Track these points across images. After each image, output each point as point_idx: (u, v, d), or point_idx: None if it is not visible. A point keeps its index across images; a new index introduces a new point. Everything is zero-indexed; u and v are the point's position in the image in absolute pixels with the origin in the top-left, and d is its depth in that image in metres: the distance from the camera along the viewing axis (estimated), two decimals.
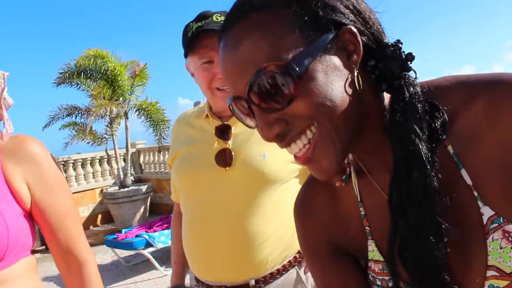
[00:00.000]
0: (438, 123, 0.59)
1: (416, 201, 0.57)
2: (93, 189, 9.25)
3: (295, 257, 1.40)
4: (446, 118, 0.60)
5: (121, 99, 8.87)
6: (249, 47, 0.56)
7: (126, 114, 8.95)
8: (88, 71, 8.76)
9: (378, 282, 0.69)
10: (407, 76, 0.60)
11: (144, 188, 8.69)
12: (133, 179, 9.59)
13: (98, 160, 9.62)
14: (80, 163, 9.21)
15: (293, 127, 0.58)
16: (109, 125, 8.97)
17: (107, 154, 9.34)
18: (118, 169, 9.10)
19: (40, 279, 1.11)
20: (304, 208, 0.79)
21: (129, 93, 9.06)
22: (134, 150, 10.18)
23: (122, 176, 8.94)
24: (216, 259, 1.37)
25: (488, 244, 0.58)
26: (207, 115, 1.51)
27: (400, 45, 0.61)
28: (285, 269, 1.38)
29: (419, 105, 0.58)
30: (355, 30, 0.57)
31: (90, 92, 8.93)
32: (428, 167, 0.56)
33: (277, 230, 1.35)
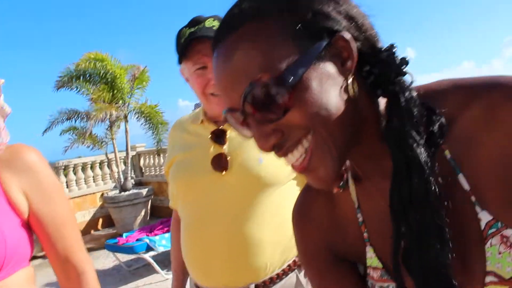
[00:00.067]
0: (436, 126, 0.59)
1: (418, 206, 0.56)
2: (93, 193, 9.25)
3: (294, 261, 1.39)
4: (444, 121, 0.60)
5: (120, 102, 8.88)
6: (241, 59, 0.56)
7: (126, 117, 8.96)
8: (88, 75, 8.77)
9: None
10: (402, 80, 0.59)
11: (144, 191, 8.68)
12: (133, 182, 9.58)
13: (98, 164, 9.62)
14: (80, 167, 9.21)
15: (289, 137, 0.58)
16: (109, 128, 8.98)
17: (107, 158, 9.35)
18: (118, 172, 9.11)
19: None
20: (302, 214, 0.79)
21: (129, 96, 9.06)
22: (134, 153, 10.17)
23: (122, 179, 8.94)
24: (215, 264, 1.37)
25: (487, 249, 0.57)
26: (202, 121, 1.50)
27: (394, 50, 0.60)
28: (284, 273, 1.37)
29: (415, 110, 0.58)
30: (348, 36, 0.57)
31: (89, 96, 8.93)
32: (428, 172, 0.56)
33: (275, 233, 1.35)
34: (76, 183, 9.10)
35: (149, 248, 5.69)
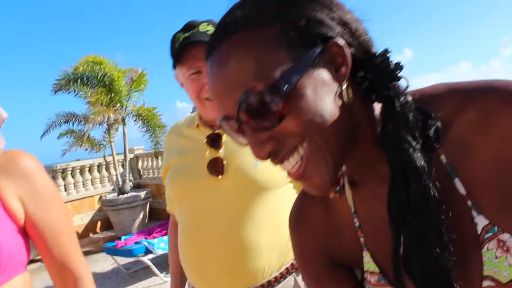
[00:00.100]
0: (431, 131, 0.59)
1: (416, 211, 0.56)
2: (92, 196, 9.23)
3: (292, 264, 1.39)
4: (439, 126, 0.59)
5: (118, 105, 8.87)
6: (235, 67, 0.55)
7: (123, 120, 8.95)
8: (85, 78, 8.76)
9: None
10: (397, 85, 0.59)
11: (143, 194, 8.67)
12: (131, 185, 9.56)
13: (96, 167, 9.60)
14: (78, 170, 9.20)
15: (284, 145, 0.58)
16: (106, 131, 8.97)
17: (105, 161, 9.33)
18: (116, 175, 9.09)
19: None
20: (299, 218, 0.79)
21: (126, 99, 9.05)
22: (132, 155, 10.16)
23: (120, 182, 8.92)
24: (212, 268, 1.36)
25: (483, 254, 0.57)
26: (197, 125, 1.50)
27: (389, 55, 0.60)
28: (282, 276, 1.37)
29: (410, 114, 0.58)
30: (342, 42, 0.57)
31: (87, 99, 8.92)
32: (425, 177, 0.55)
33: (272, 237, 1.34)
34: (74, 186, 9.07)
35: (147, 251, 5.67)
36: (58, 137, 8.98)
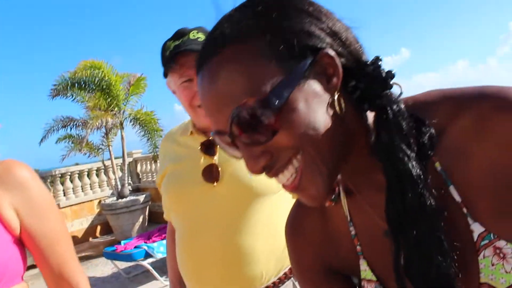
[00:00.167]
0: (426, 138, 0.58)
1: (414, 219, 0.55)
2: (91, 200, 9.23)
3: (290, 269, 1.39)
4: (433, 133, 0.59)
5: (116, 109, 8.86)
6: (225, 82, 0.55)
7: (121, 124, 8.94)
8: (83, 82, 8.75)
9: None
10: (389, 93, 0.59)
11: (142, 198, 8.66)
12: (131, 189, 9.56)
13: (95, 171, 9.60)
14: (77, 175, 9.19)
15: (278, 158, 0.57)
16: (105, 136, 8.96)
17: (104, 165, 9.32)
18: (115, 179, 9.08)
19: None
20: (295, 228, 0.78)
21: (124, 103, 9.05)
22: (131, 159, 10.15)
23: (119, 186, 8.91)
24: (209, 275, 1.36)
25: (480, 261, 0.57)
26: (191, 132, 1.50)
27: (380, 63, 0.60)
28: (281, 281, 1.37)
29: (404, 122, 0.57)
30: (332, 53, 0.56)
31: (85, 104, 8.92)
32: (421, 185, 0.55)
33: (269, 242, 1.34)
34: (73, 191, 9.06)
35: (147, 255, 5.68)
36: (56, 142, 8.99)
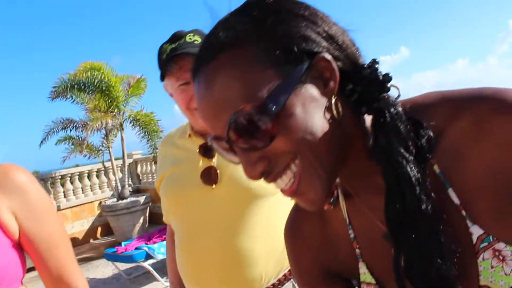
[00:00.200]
0: (424, 141, 0.58)
1: (414, 222, 0.55)
2: (91, 202, 9.23)
3: (289, 270, 1.39)
4: (431, 135, 0.59)
5: (116, 110, 8.86)
6: (222, 88, 0.55)
7: (121, 125, 8.94)
8: (82, 84, 8.75)
9: None
10: (386, 96, 0.59)
11: (142, 199, 8.66)
12: (131, 190, 9.55)
13: (95, 173, 9.60)
14: (77, 176, 9.19)
15: (276, 164, 0.57)
16: (105, 137, 8.96)
17: (104, 166, 9.32)
18: (115, 180, 9.08)
19: None
20: (294, 231, 0.78)
21: (124, 104, 9.04)
22: (131, 160, 10.15)
23: (120, 187, 8.91)
24: (209, 277, 1.36)
25: (479, 263, 0.57)
26: (190, 135, 1.50)
27: (377, 66, 0.59)
28: (280, 283, 1.37)
29: (401, 126, 0.57)
30: (329, 57, 0.56)
31: (84, 105, 8.92)
32: (419, 189, 0.55)
33: (268, 244, 1.34)
34: (74, 192, 9.06)
35: (148, 256, 5.67)
36: (56, 144, 8.99)
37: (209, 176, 1.38)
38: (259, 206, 1.35)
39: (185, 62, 1.32)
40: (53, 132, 8.88)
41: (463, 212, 0.58)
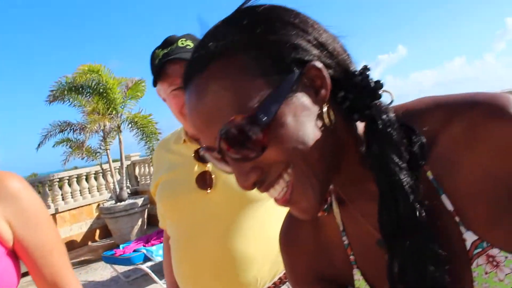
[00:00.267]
0: (416, 147, 0.58)
1: (407, 229, 0.55)
2: (89, 204, 9.22)
3: (285, 274, 1.39)
4: (424, 141, 0.59)
5: (114, 112, 8.85)
6: (212, 99, 0.54)
7: (119, 127, 8.93)
8: (80, 87, 8.74)
9: None
10: (378, 103, 0.58)
11: (140, 201, 8.64)
12: (129, 192, 9.55)
13: (93, 175, 9.59)
14: (75, 179, 9.18)
15: (269, 173, 0.57)
16: (103, 139, 8.95)
17: (102, 169, 9.31)
18: (113, 183, 9.07)
19: None
20: (289, 237, 0.78)
21: (122, 106, 9.03)
22: (129, 162, 10.14)
23: (118, 189, 8.90)
24: (204, 281, 1.37)
25: (473, 269, 0.57)
26: (184, 140, 1.50)
27: (368, 72, 0.59)
28: (276, 286, 1.37)
29: (394, 133, 0.57)
30: (320, 65, 0.55)
31: (82, 108, 8.90)
32: (412, 196, 0.55)
33: (263, 248, 1.34)
34: (72, 195, 9.06)
35: (146, 259, 5.66)
36: (54, 146, 8.97)
37: (204, 181, 1.38)
38: (254, 210, 1.35)
39: (178, 67, 1.33)
40: (50, 135, 8.87)
41: (457, 218, 0.57)
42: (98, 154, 9.09)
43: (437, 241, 0.55)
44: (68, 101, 8.89)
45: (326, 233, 0.74)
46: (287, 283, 1.39)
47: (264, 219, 1.36)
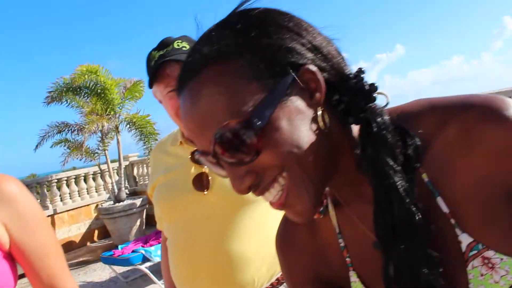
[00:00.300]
0: (410, 150, 0.58)
1: (402, 232, 0.55)
2: (88, 205, 9.21)
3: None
4: (419, 144, 0.59)
5: (112, 113, 8.83)
6: (207, 103, 0.54)
7: (117, 128, 8.92)
8: (77, 88, 8.72)
9: None
10: (373, 106, 0.58)
11: (138, 201, 8.64)
12: (127, 192, 9.54)
13: (91, 176, 9.58)
14: (73, 180, 9.16)
15: (264, 177, 0.57)
16: (101, 140, 8.93)
17: (100, 169, 9.30)
18: (112, 183, 9.06)
19: None
20: (285, 239, 0.78)
21: (120, 107, 9.02)
22: (127, 163, 10.13)
23: (116, 190, 8.89)
24: (202, 282, 1.37)
25: (468, 271, 0.57)
26: (181, 142, 1.50)
27: (363, 75, 0.59)
28: (273, 287, 1.37)
29: (388, 135, 0.57)
30: (314, 68, 0.55)
31: (80, 109, 8.88)
32: (407, 199, 0.55)
33: (260, 249, 1.35)
34: (70, 195, 9.05)
35: (145, 259, 5.66)
36: (52, 146, 8.94)
37: (201, 183, 1.38)
38: (251, 211, 1.36)
39: (173, 69, 1.33)
40: (48, 136, 8.86)
41: (452, 221, 0.57)
42: (96, 154, 9.08)
43: (431, 243, 0.55)
44: (66, 102, 8.88)
45: (322, 235, 0.73)
46: (285, 284, 1.39)
47: (261, 220, 1.36)
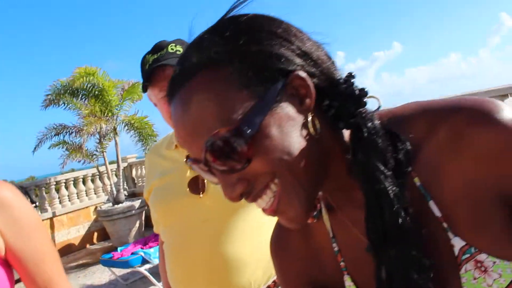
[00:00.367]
0: (401, 155, 0.58)
1: (393, 237, 0.55)
2: (87, 207, 9.20)
3: None
4: (409, 148, 0.59)
5: (109, 115, 8.82)
6: (197, 111, 0.54)
7: (115, 129, 8.91)
8: (75, 90, 8.70)
9: None
10: (363, 111, 0.58)
11: (137, 203, 8.62)
12: (126, 194, 9.52)
13: (90, 178, 9.56)
14: (72, 182, 9.15)
15: (255, 184, 0.57)
16: (99, 142, 8.92)
17: (99, 171, 9.28)
18: (110, 185, 9.04)
19: None
20: (280, 244, 0.78)
21: (117, 108, 9.01)
22: (125, 164, 10.11)
23: (115, 192, 8.88)
24: (198, 286, 1.37)
25: (461, 275, 0.57)
26: (176, 145, 1.50)
27: (353, 80, 0.59)
28: None
29: (379, 140, 0.57)
30: (303, 74, 0.55)
31: (78, 111, 8.87)
32: (398, 204, 0.55)
33: (256, 252, 1.35)
34: (69, 198, 9.04)
35: (144, 261, 5.65)
36: (49, 148, 8.93)
37: (197, 186, 1.39)
38: (246, 214, 1.36)
39: (167, 72, 1.33)
40: (46, 138, 8.84)
41: (445, 224, 0.57)
42: (94, 156, 9.06)
43: (422, 248, 0.55)
44: (63, 104, 8.87)
45: (316, 239, 0.73)
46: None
47: (257, 223, 1.36)
